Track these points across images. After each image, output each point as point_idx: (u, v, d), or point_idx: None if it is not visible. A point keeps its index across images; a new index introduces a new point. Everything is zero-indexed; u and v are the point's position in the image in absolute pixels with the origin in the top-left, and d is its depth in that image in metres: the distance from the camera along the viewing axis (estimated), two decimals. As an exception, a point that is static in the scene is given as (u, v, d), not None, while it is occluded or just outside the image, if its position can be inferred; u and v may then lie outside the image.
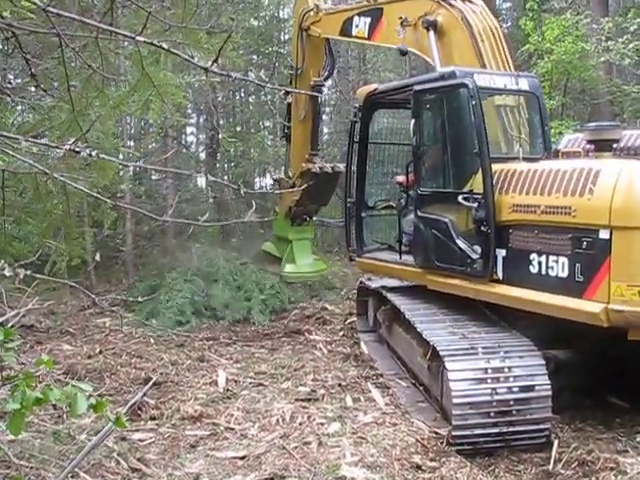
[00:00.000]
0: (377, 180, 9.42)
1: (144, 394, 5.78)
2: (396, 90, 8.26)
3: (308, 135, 11.73)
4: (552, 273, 5.96)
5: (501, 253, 6.48)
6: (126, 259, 13.31)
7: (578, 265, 5.70)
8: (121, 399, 7.08)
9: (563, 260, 5.84)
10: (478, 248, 6.62)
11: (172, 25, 3.18)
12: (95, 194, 2.96)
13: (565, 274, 5.83)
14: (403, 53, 8.46)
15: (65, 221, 4.08)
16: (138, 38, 2.55)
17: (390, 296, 8.00)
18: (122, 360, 8.43)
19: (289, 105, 12.10)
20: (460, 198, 6.68)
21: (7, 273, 2.60)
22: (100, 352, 8.71)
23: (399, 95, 8.19)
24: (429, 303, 7.41)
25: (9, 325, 4.97)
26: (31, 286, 4.32)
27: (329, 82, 14.40)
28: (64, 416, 5.91)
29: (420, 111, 7.38)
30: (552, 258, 5.96)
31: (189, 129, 22.30)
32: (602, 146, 6.35)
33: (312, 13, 10.87)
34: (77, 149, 2.52)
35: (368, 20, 9.36)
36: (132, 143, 22.23)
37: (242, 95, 20.70)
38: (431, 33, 7.86)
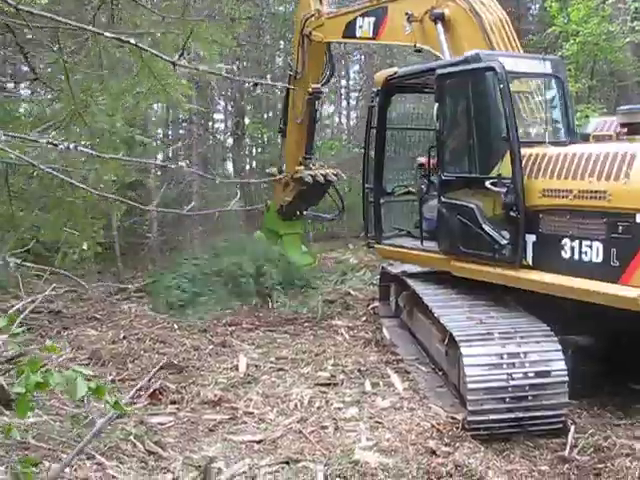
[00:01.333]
0: (395, 166, 9.33)
1: (150, 379, 5.86)
2: (417, 74, 8.16)
3: (303, 138, 11.88)
4: (585, 258, 5.89)
5: (531, 238, 6.40)
6: (152, 246, 13.46)
7: (613, 250, 5.63)
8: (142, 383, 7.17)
9: (597, 245, 5.77)
10: (506, 234, 6.54)
11: (166, 17, 3.20)
12: (83, 186, 2.98)
13: (600, 259, 5.76)
14: (418, 50, 8.43)
15: (74, 212, 4.13)
16: (106, 34, 2.57)
17: (410, 281, 7.99)
18: (145, 345, 8.52)
19: (286, 100, 12.24)
20: (488, 183, 6.57)
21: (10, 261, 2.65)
22: (124, 337, 8.82)
23: (420, 79, 8.11)
24: (448, 288, 7.39)
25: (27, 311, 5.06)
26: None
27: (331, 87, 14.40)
28: (85, 400, 6.00)
29: (444, 95, 7.29)
30: (585, 243, 5.88)
31: (217, 116, 22.47)
32: (635, 129, 6.23)
33: (314, 18, 10.89)
34: (55, 142, 2.55)
35: (372, 20, 9.37)
36: (160, 131, 22.48)
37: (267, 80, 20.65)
38: (439, 26, 7.85)
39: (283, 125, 12.42)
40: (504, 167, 6.51)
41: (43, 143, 2.53)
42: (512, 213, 6.40)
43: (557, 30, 13.84)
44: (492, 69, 6.53)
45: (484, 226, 6.73)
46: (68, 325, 9.73)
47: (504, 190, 6.43)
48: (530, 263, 6.44)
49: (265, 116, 20.08)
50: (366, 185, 8.79)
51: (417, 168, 8.77)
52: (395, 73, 8.27)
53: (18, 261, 2.72)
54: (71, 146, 2.58)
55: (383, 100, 8.42)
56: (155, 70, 3.02)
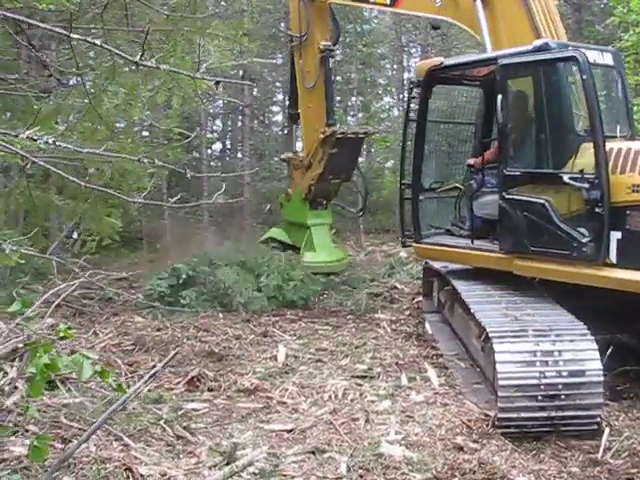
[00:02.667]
0: (434, 161, 9.07)
1: (164, 365, 5.97)
2: (468, 65, 7.93)
3: (322, 104, 10.95)
4: None
5: (615, 235, 6.18)
6: (202, 235, 13.66)
7: None
8: (182, 370, 7.34)
9: None
10: (586, 231, 6.32)
11: (170, 15, 3.26)
12: (72, 178, 3.07)
13: None
14: (435, 27, 8.06)
15: (90, 201, 4.26)
16: (72, 35, 2.62)
17: (450, 277, 7.91)
18: (189, 333, 8.71)
19: (292, 80, 11.50)
20: (567, 178, 6.34)
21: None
22: (169, 325, 9.02)
23: (470, 70, 7.91)
24: (487, 285, 7.28)
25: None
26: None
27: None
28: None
29: (508, 87, 7.03)
30: None
31: (275, 108, 22.66)
32: None
33: None
34: (35, 137, 2.63)
35: None
36: (219, 122, 22.80)
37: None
38: (478, 1, 7.48)
39: (292, 109, 11.65)
40: (581, 161, 6.32)
41: (23, 138, 2.61)
42: (597, 209, 6.16)
43: (617, 20, 13.40)
44: (574, 59, 6.30)
45: (559, 223, 6.48)
46: (118, 312, 10.01)
47: (586, 185, 6.20)
48: (614, 261, 6.21)
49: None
50: (403, 181, 8.51)
51: (467, 168, 8.49)
52: (441, 63, 7.90)
53: (14, 248, 2.80)
54: (50, 140, 2.66)
55: (424, 92, 8.08)
56: (172, 66, 3.07)
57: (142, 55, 2.68)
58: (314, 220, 11.50)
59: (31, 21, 2.91)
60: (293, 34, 11.04)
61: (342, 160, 10.89)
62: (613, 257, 6.20)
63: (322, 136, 10.74)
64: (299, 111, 11.52)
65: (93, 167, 3.98)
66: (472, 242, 7.68)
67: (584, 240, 6.31)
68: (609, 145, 6.25)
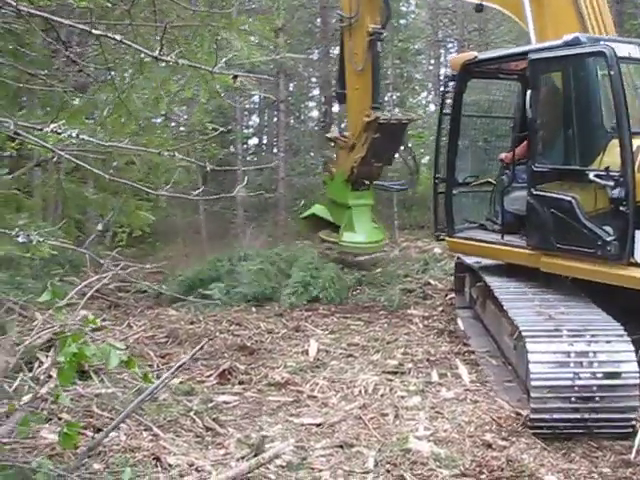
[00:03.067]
0: (468, 155, 9.01)
1: (192, 356, 6.04)
2: (502, 59, 7.87)
3: (368, 87, 10.82)
4: None
5: None
6: (238, 230, 13.75)
7: None
8: (214, 363, 7.42)
9: None
10: (611, 229, 6.24)
11: (197, 10, 3.28)
12: (96, 170, 3.12)
13: None
14: (478, 10, 7.94)
15: (120, 194, 4.33)
16: (94, 31, 2.66)
17: (482, 273, 7.85)
18: (222, 327, 8.81)
19: (341, 61, 11.39)
20: (592, 175, 6.25)
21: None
22: (202, 318, 9.11)
23: (507, 64, 7.83)
24: (520, 281, 7.21)
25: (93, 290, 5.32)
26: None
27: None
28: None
29: (538, 81, 6.98)
30: None
31: (310, 103, 22.69)
32: None
33: None
34: (59, 131, 2.68)
35: None
36: (255, 117, 22.92)
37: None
38: None
39: (340, 89, 11.53)
40: (608, 159, 6.21)
41: (48, 132, 2.66)
42: (622, 208, 6.07)
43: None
44: (602, 54, 6.19)
45: (585, 221, 6.40)
46: (152, 305, 10.16)
47: (611, 183, 6.10)
48: (638, 261, 6.11)
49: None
50: (437, 175, 8.52)
51: (499, 163, 8.45)
52: (475, 57, 7.86)
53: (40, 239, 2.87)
54: (74, 134, 2.70)
55: (459, 86, 8.05)
56: (194, 61, 3.10)
57: (161, 50, 2.71)
58: (355, 201, 11.44)
59: (55, 18, 2.97)
60: (343, 14, 10.97)
61: (385, 145, 10.86)
62: (638, 257, 6.10)
63: (366, 119, 10.71)
64: (346, 91, 11.48)
65: (121, 161, 4.05)
66: (502, 237, 7.65)
67: (608, 239, 6.22)
68: (637, 142, 6.12)
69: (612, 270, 6.24)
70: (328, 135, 12.56)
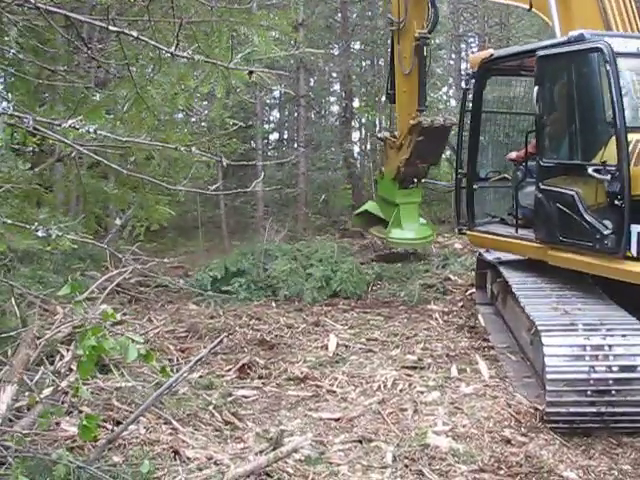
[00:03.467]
0: (490, 151, 9.06)
1: (211, 350, 6.07)
2: (515, 56, 7.92)
3: (415, 90, 11.01)
4: None
5: (636, 229, 6.08)
6: (257, 225, 13.80)
7: None
8: (233, 358, 7.47)
9: None
10: (609, 223, 6.25)
11: (214, 6, 3.30)
12: (114, 165, 3.15)
13: None
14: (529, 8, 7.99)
15: (139, 189, 4.37)
16: (111, 27, 2.69)
17: (502, 269, 7.83)
18: (241, 321, 8.85)
19: (392, 61, 11.61)
20: (591, 170, 6.28)
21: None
22: (222, 313, 9.17)
23: (518, 61, 7.86)
24: (539, 277, 7.20)
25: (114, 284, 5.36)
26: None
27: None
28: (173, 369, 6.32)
29: (544, 78, 7.03)
30: None
31: (331, 98, 22.67)
32: None
33: None
34: (77, 126, 2.71)
35: None
36: (276, 112, 22.94)
37: (379, 64, 20.45)
38: None
39: (391, 89, 11.71)
40: (608, 153, 6.22)
41: (66, 127, 2.70)
42: (617, 202, 6.10)
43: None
44: (598, 50, 6.23)
45: (585, 215, 6.46)
46: (173, 299, 10.24)
47: (608, 177, 6.14)
48: (635, 254, 6.11)
49: (376, 99, 19.99)
50: (459, 170, 8.57)
51: (509, 161, 8.50)
52: (491, 55, 8.00)
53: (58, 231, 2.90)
54: (91, 129, 2.73)
55: (479, 83, 8.18)
56: (212, 57, 3.12)
57: (177, 46, 2.73)
58: (403, 199, 11.72)
59: (73, 15, 3.00)
60: (392, 18, 11.21)
61: (429, 147, 11.09)
62: (634, 250, 6.10)
63: (411, 122, 10.94)
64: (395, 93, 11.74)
65: (140, 156, 4.09)
66: (516, 231, 7.73)
67: (606, 232, 6.26)
68: (635, 136, 6.14)
69: (610, 264, 6.28)
70: (379, 135, 13.00)
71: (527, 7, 8.04)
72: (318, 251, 11.06)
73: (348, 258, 11.22)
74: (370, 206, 12.87)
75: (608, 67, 6.12)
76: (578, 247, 6.62)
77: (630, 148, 6.08)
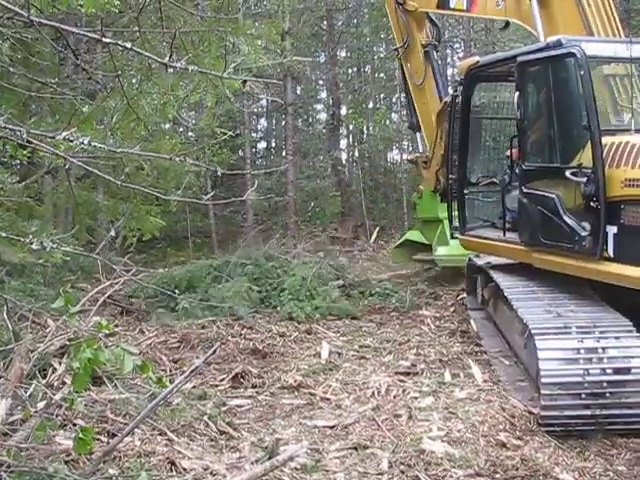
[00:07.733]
0: (479, 156, 9.14)
1: (205, 360, 6.07)
2: (499, 62, 7.99)
3: (433, 96, 11.18)
4: None
5: (612, 230, 6.17)
6: (247, 234, 13.77)
7: None
8: (226, 367, 7.44)
9: None
10: (587, 225, 6.35)
11: (204, 16, 3.31)
12: (107, 176, 3.15)
13: None
14: (506, 25, 8.22)
15: (130, 199, 4.37)
16: (104, 39, 2.69)
17: (492, 273, 7.87)
18: (233, 331, 8.82)
19: (407, 92, 11.80)
20: (568, 173, 6.39)
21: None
22: (214, 322, 9.14)
23: (502, 67, 7.93)
24: (529, 281, 7.23)
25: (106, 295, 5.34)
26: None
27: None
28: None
29: (525, 83, 7.14)
30: None
31: (318, 106, 22.71)
32: None
33: None
34: (71, 138, 2.71)
35: None
36: (264, 121, 22.97)
37: (366, 71, 20.53)
38: (534, 1, 7.56)
39: (413, 118, 11.79)
40: (585, 156, 6.30)
41: (60, 139, 2.70)
42: (592, 204, 6.18)
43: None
44: (572, 55, 6.31)
45: (564, 217, 6.56)
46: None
47: (584, 180, 6.22)
48: (611, 255, 6.20)
49: (363, 106, 20.07)
50: (450, 176, 8.68)
51: (507, 159, 8.55)
52: (477, 62, 8.11)
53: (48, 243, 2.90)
54: (85, 141, 2.74)
55: (466, 89, 8.28)
56: (202, 66, 3.13)
57: (171, 56, 2.74)
58: (445, 213, 10.65)
59: (64, 27, 3.00)
60: (397, 46, 11.47)
61: None
62: (611, 251, 6.18)
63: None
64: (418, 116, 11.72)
65: (131, 166, 4.09)
66: (504, 234, 7.81)
67: (583, 234, 6.35)
68: (611, 139, 6.25)
69: (589, 265, 6.36)
70: (409, 157, 13.08)
71: (504, 23, 8.21)
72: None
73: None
74: (411, 234, 12.65)
75: (581, 71, 6.21)
76: (559, 249, 6.71)
77: (605, 151, 6.15)
